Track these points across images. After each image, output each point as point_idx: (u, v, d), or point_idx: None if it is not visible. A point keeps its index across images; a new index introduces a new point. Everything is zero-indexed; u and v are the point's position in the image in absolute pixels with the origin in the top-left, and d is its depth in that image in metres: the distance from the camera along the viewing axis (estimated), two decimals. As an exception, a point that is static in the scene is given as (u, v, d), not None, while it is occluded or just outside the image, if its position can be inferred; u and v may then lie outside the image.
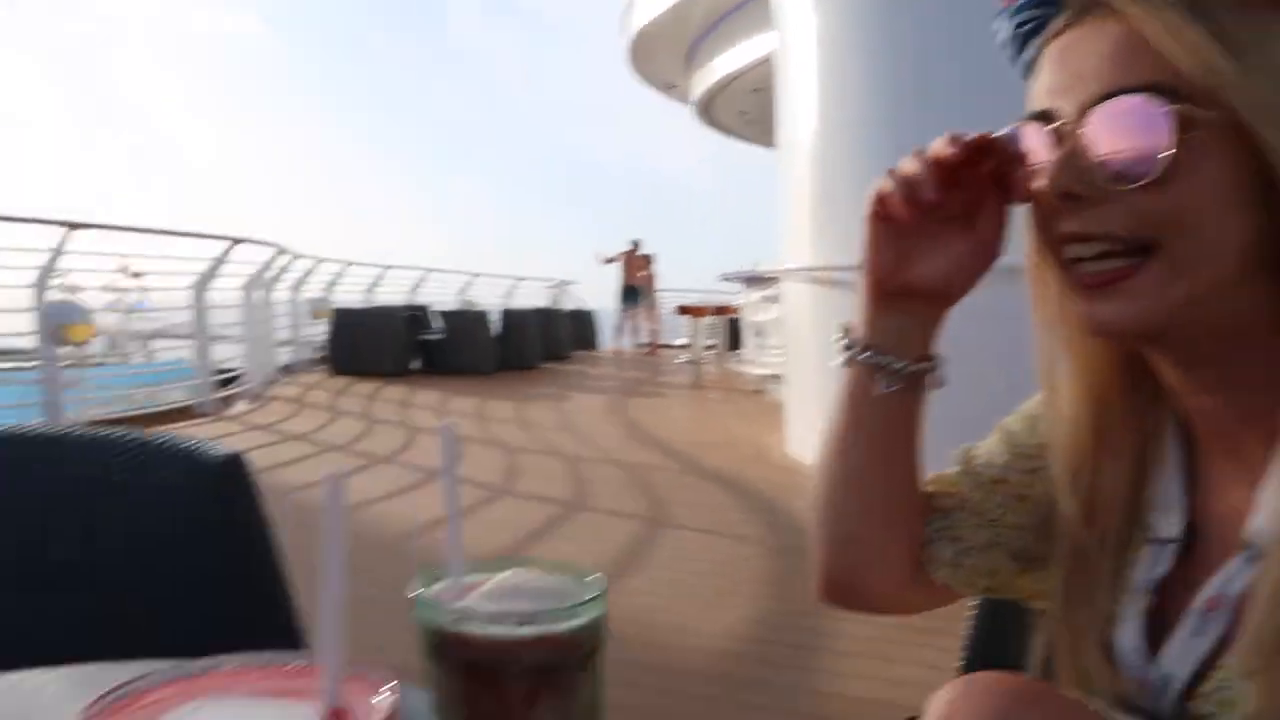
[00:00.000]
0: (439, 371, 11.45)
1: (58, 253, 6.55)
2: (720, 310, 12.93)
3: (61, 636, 1.17)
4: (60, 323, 6.49)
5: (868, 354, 0.73)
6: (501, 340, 12.31)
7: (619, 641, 2.62)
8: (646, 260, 16.53)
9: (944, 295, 0.72)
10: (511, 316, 13.00)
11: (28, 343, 6.77)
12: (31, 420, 4.66)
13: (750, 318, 10.63)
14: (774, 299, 8.92)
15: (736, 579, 3.74)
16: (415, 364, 11.72)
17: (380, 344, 11.21)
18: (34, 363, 6.72)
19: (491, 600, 0.57)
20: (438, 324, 12.31)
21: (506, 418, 8.20)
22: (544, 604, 0.55)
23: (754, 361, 10.50)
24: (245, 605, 1.18)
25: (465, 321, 12.19)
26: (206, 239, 8.44)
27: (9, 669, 0.79)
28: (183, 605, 1.15)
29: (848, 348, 0.75)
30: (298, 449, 6.42)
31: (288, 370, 11.04)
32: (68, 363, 7.02)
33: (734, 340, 12.99)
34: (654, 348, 16.42)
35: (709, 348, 13.04)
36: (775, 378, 9.36)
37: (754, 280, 10.03)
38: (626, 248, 16.44)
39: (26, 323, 6.63)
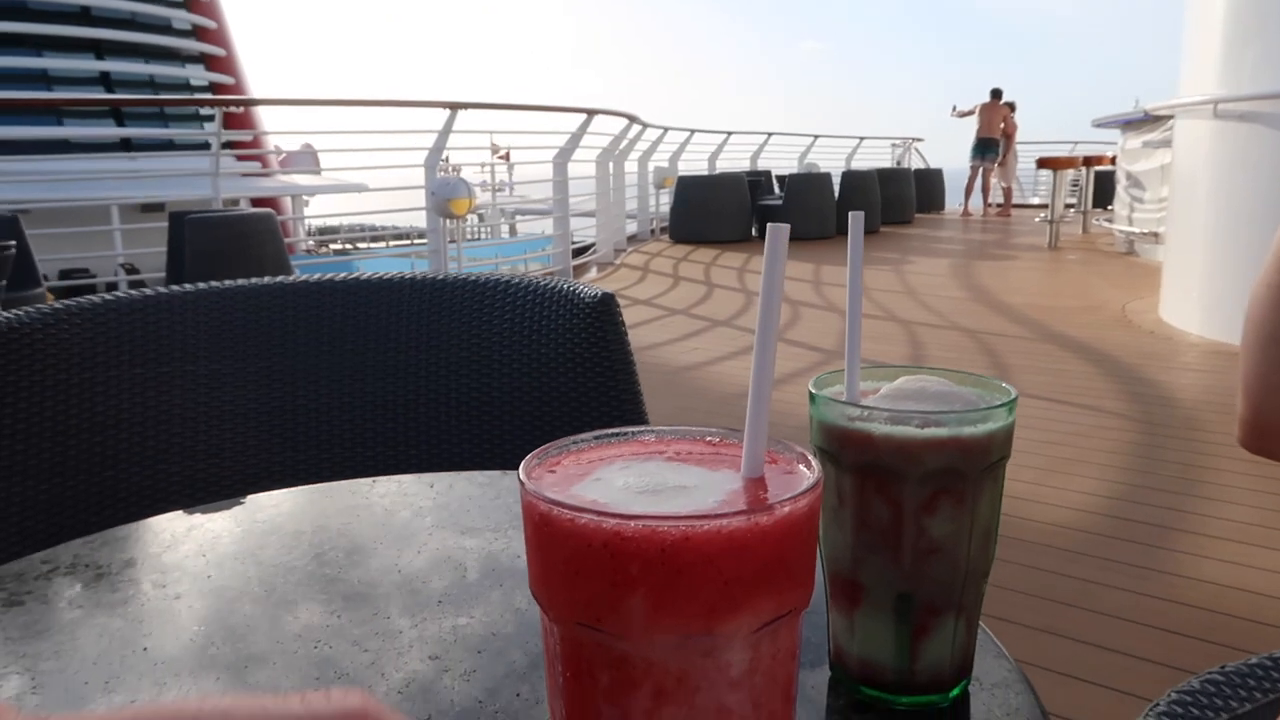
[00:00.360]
0: (777, 237, 11.48)
1: (445, 132, 7.35)
2: (1088, 161, 11.57)
3: (459, 453, 1.40)
4: (447, 197, 7.34)
5: None
6: (841, 203, 12.05)
7: None
8: (1009, 109, 15.00)
9: None
10: (851, 178, 12.62)
11: (417, 220, 7.76)
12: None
13: (1126, 167, 9.41)
14: (1159, 144, 7.81)
15: (1087, 449, 3.46)
16: (754, 230, 11.85)
17: (721, 211, 11.44)
18: (418, 243, 7.71)
19: (893, 401, 0.54)
20: (778, 189, 12.28)
21: (842, 282, 8.06)
22: (950, 406, 0.52)
23: (1125, 219, 9.35)
24: (610, 423, 1.33)
25: (805, 185, 12.04)
26: (566, 112, 9.01)
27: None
28: (556, 425, 1.33)
29: None
30: (642, 313, 6.84)
31: (633, 240, 11.66)
32: (450, 239, 7.95)
33: (1100, 196, 11.62)
34: (1007, 208, 15.11)
35: (1070, 205, 11.79)
36: (1151, 236, 8.31)
37: (1134, 124, 8.82)
38: (985, 99, 15.01)
39: (416, 200, 7.59)
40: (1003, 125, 14.65)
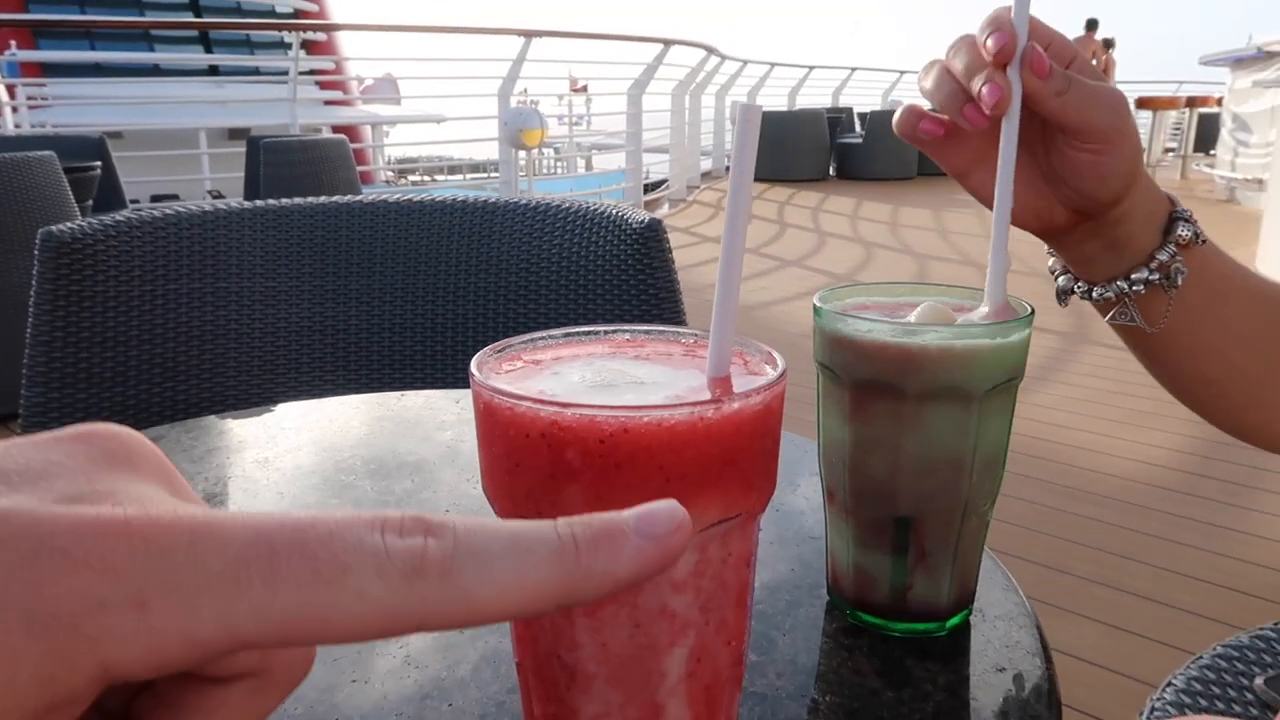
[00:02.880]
0: (856, 177, 11.20)
1: (519, 61, 7.30)
2: (1191, 102, 10.95)
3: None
4: (519, 127, 7.30)
5: (1075, 289, 0.61)
6: (924, 143, 11.66)
7: (1017, 455, 2.52)
8: (1106, 46, 14.08)
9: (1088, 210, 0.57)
10: (936, 117, 12.16)
11: (492, 153, 7.76)
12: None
13: (1233, 109, 8.88)
14: (1272, 83, 7.34)
15: (1163, 402, 3.32)
16: (832, 169, 11.57)
17: (798, 148, 11.18)
18: (494, 175, 7.70)
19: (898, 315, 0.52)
20: (859, 127, 11.94)
21: (922, 224, 7.86)
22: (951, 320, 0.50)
23: (1228, 164, 8.85)
24: None
25: (886, 124, 11.64)
26: (642, 42, 8.84)
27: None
28: None
29: (1060, 291, 0.63)
30: (711, 250, 6.77)
31: (707, 176, 11.50)
32: (521, 173, 7.95)
33: (1202, 141, 11.01)
34: None
35: (1169, 149, 11.22)
36: (1255, 183, 7.87)
37: (1245, 61, 8.29)
38: (1081, 33, 14.16)
39: (492, 131, 7.58)
40: (1098, 61, 13.80)
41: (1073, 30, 14.15)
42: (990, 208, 0.55)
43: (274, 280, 1.43)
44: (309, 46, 8.42)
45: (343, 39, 15.08)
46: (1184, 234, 0.56)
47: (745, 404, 0.32)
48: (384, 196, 1.53)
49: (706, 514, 0.32)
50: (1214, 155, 10.16)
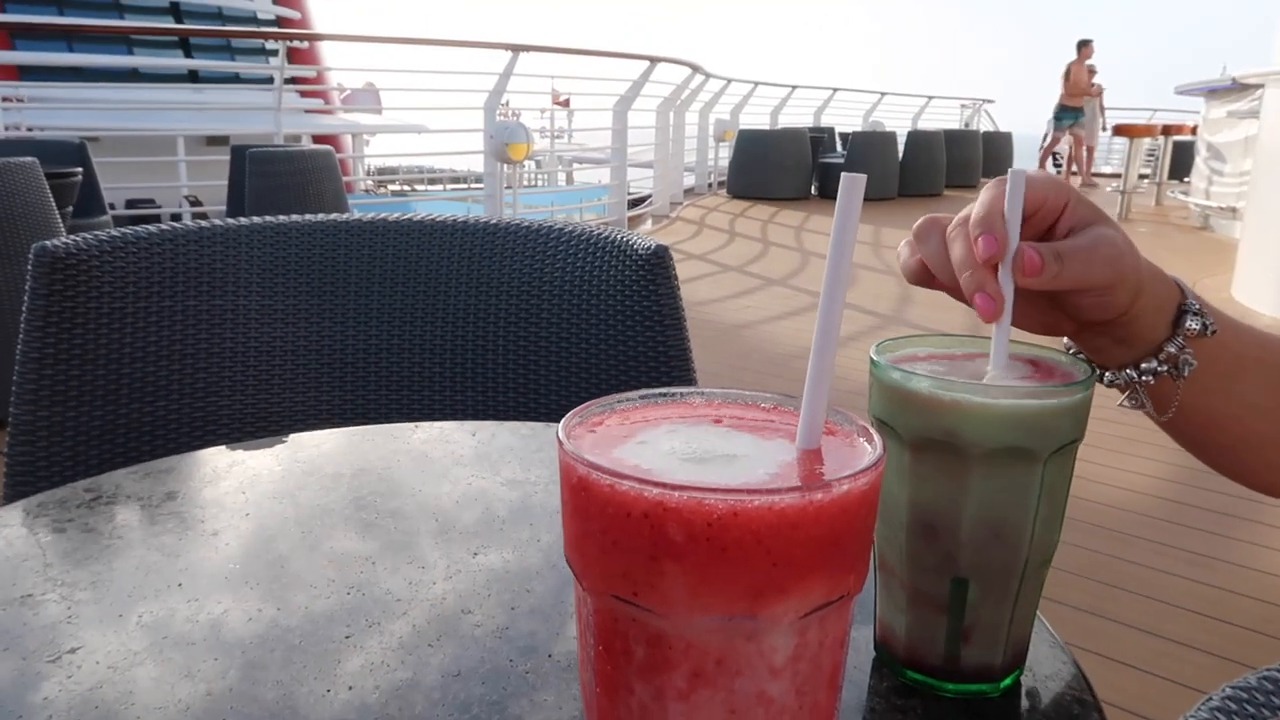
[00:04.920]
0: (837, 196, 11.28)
1: (506, 75, 7.29)
2: (1167, 130, 11.13)
3: (503, 400, 1.39)
4: (505, 141, 7.29)
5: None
6: (905, 164, 11.76)
7: None
8: (1092, 71, 13.98)
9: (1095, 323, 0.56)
10: (917, 138, 12.28)
11: (475, 164, 7.74)
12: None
13: (1207, 138, 9.03)
14: (1246, 114, 7.47)
15: (1147, 429, 3.35)
16: (814, 188, 11.64)
17: (781, 167, 11.24)
18: (475, 187, 7.67)
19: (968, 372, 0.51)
20: (840, 147, 12.03)
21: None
22: (1026, 380, 0.49)
23: (1202, 192, 9.00)
24: (657, 379, 1.31)
25: (868, 144, 11.76)
26: (628, 59, 8.87)
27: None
28: (602, 378, 1.31)
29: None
30: (696, 268, 6.77)
31: (690, 193, 11.53)
32: (506, 184, 7.92)
33: (1177, 168, 11.19)
34: (1087, 175, 14.29)
35: (1144, 176, 11.39)
36: (1229, 211, 8.00)
37: (1219, 92, 8.44)
38: (1075, 58, 13.46)
39: (475, 143, 7.56)
40: (1088, 87, 13.44)
41: (1056, 58, 14.17)
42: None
43: (270, 299, 1.41)
44: (292, 54, 8.36)
45: (324, 47, 14.99)
46: (1193, 326, 0.56)
47: (853, 485, 0.31)
48: (384, 216, 1.51)
49: (810, 597, 0.31)
50: (1189, 182, 10.32)
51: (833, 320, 0.34)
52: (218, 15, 17.37)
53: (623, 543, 0.31)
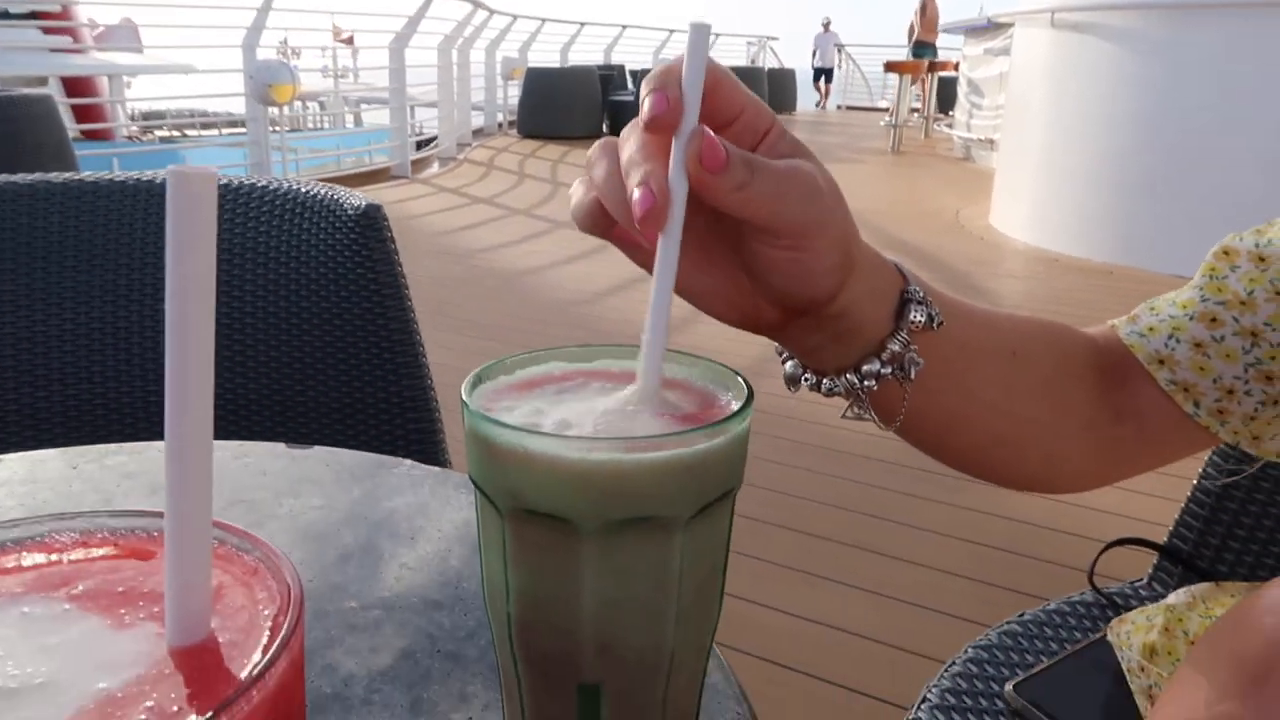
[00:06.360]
0: (629, 134, 11.25)
1: (265, 9, 6.66)
2: (933, 67, 11.78)
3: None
4: (267, 81, 6.68)
5: (804, 379, 0.51)
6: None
7: (767, 416, 2.46)
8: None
9: (803, 308, 0.46)
10: (705, 76, 12.36)
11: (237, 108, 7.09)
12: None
13: (968, 74, 9.61)
14: (1000, 51, 7.97)
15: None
16: (605, 126, 11.53)
17: (571, 106, 11.05)
18: (239, 132, 7.05)
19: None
20: (631, 85, 11.96)
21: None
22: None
23: (964, 125, 9.60)
24: (378, 353, 1.21)
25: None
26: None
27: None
28: (319, 351, 1.17)
29: (787, 379, 0.53)
30: (484, 212, 6.53)
31: (479, 133, 11.15)
32: (286, 128, 7.30)
33: (944, 102, 11.90)
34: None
35: (915, 110, 12.04)
36: (987, 143, 8.56)
37: (978, 30, 8.98)
38: None
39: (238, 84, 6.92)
40: (925, 13, 13.03)
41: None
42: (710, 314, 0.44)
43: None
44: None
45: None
46: (917, 318, 0.47)
47: None
48: (44, 177, 1.27)
49: None
50: (953, 116, 10.98)
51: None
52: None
53: None
